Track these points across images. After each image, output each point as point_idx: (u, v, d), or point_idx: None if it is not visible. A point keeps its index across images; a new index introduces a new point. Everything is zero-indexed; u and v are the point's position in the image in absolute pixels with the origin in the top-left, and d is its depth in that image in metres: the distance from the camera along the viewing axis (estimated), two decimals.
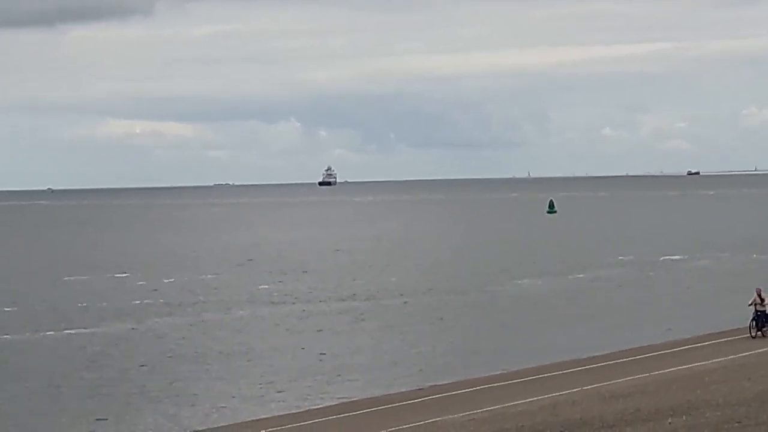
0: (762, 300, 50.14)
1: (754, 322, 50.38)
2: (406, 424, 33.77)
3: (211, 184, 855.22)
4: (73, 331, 64.13)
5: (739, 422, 18.94)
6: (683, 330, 56.85)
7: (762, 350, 45.37)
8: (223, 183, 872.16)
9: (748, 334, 50.13)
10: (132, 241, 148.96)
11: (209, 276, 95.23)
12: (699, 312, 65.44)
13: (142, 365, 53.03)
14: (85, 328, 65.15)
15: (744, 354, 44.80)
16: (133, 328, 65.35)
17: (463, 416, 34.21)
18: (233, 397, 45.42)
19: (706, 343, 51.20)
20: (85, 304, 76.22)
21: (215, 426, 39.95)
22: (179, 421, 41.26)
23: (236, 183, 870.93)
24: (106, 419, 42.03)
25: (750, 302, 50.86)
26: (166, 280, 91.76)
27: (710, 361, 43.28)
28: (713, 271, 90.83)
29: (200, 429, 39.74)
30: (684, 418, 21.78)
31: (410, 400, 41.54)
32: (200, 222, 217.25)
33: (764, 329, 50.03)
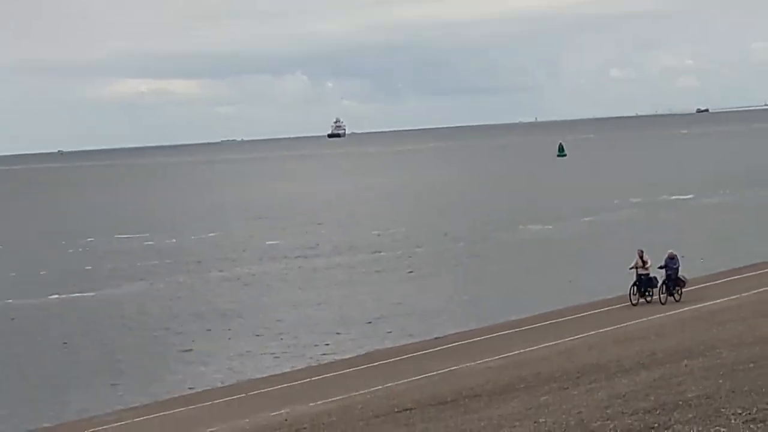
0: (644, 263, 45.60)
1: (635, 288, 45.57)
2: (424, 374, 33.83)
3: (219, 140, 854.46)
4: (81, 294, 64.17)
5: (754, 362, 18.87)
6: (697, 269, 56.68)
7: None
8: (231, 139, 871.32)
9: (629, 303, 45.17)
10: (140, 202, 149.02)
11: (218, 233, 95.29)
12: (711, 250, 65.28)
13: (153, 326, 53.06)
14: (92, 291, 65.16)
15: (762, 289, 44.67)
16: (141, 290, 65.38)
17: (480, 363, 34.27)
18: (249, 353, 45.43)
19: (720, 281, 51.05)
20: (91, 267, 76.31)
21: (230, 384, 39.99)
22: (194, 381, 41.29)
23: (245, 138, 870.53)
24: (120, 382, 42.02)
25: (631, 266, 46.04)
26: (174, 240, 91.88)
27: (725, 299, 43.23)
28: (725, 209, 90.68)
29: (217, 387, 39.80)
30: (700, 359, 21.71)
31: (427, 349, 41.56)
32: (208, 179, 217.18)
33: (647, 295, 45.46)
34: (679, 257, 46.12)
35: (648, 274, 45.58)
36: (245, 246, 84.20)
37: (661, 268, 45.63)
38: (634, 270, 45.90)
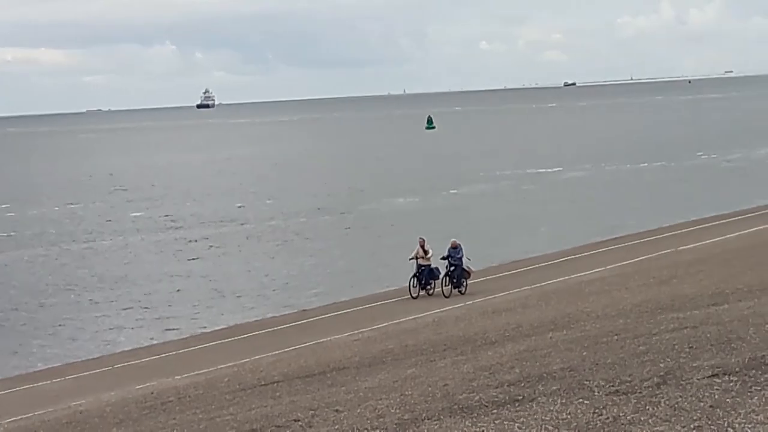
0: (426, 252, 42.86)
1: (415, 280, 42.70)
2: (291, 347, 33.73)
3: (85, 110, 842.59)
4: None
5: (617, 334, 19.16)
6: (564, 241, 57.47)
7: (648, 256, 46.05)
8: (97, 109, 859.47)
9: (408, 296, 42.48)
10: (1, 172, 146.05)
11: (81, 204, 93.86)
12: (577, 222, 66.24)
13: (16, 299, 51.97)
14: None
15: (626, 262, 45.38)
16: (4, 261, 64.10)
17: (347, 336, 34.26)
18: (115, 326, 44.84)
19: (587, 253, 51.82)
20: None
21: (97, 357, 39.41)
22: (60, 354, 40.58)
23: (112, 108, 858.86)
24: None
25: (411, 256, 43.24)
26: (37, 211, 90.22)
27: (590, 272, 43.86)
28: (588, 182, 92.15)
29: (83, 360, 39.20)
30: (564, 331, 21.97)
31: (295, 322, 41.46)
32: (71, 149, 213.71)
33: (428, 287, 42.87)
34: (462, 247, 43.29)
35: (429, 265, 42.85)
36: (109, 218, 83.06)
37: (443, 258, 42.88)
38: (414, 260, 43.13)
